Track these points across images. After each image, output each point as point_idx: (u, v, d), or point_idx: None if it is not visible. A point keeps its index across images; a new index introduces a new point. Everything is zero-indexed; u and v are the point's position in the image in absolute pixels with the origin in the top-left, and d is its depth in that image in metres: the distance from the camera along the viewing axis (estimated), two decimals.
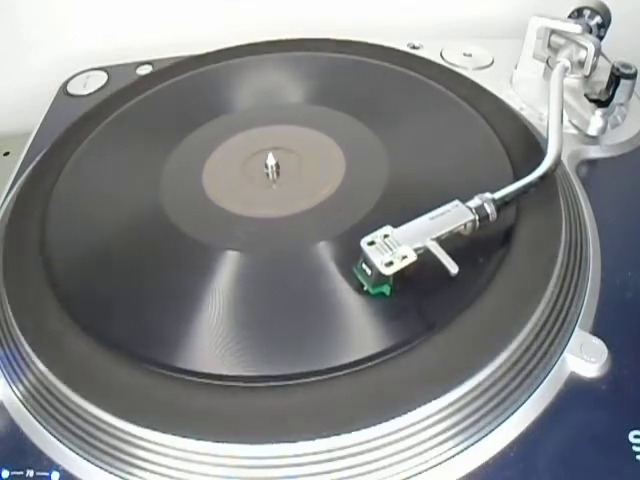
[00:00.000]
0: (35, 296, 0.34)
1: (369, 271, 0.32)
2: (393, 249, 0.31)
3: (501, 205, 0.33)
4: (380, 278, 0.31)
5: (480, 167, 0.40)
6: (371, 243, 0.32)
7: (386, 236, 0.32)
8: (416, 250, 0.31)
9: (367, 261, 0.32)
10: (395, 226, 0.33)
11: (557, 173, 0.37)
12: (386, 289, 0.32)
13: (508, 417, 0.29)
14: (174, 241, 0.37)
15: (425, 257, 0.31)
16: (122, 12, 0.62)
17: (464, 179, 0.38)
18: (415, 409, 0.28)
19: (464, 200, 0.34)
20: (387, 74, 0.49)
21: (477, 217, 0.33)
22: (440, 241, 0.32)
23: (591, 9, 0.48)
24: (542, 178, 0.35)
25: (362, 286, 0.32)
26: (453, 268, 0.30)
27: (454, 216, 0.33)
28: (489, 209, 0.33)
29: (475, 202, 0.33)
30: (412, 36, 0.55)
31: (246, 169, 0.42)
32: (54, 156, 0.44)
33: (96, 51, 0.60)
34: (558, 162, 0.36)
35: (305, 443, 0.27)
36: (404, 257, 0.31)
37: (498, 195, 0.34)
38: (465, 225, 0.33)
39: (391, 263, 0.31)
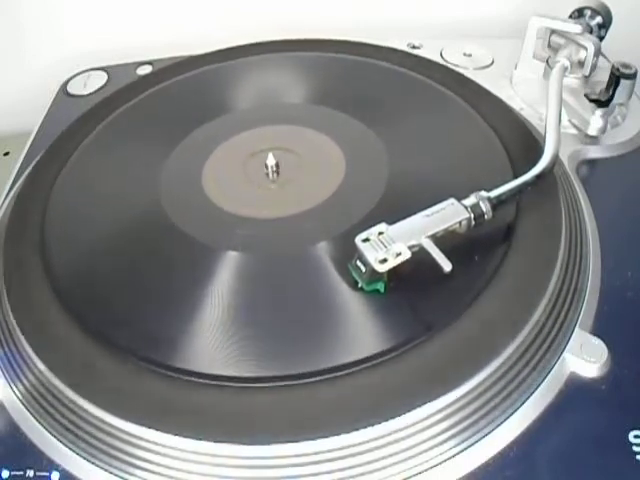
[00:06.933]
0: (35, 296, 0.34)
1: (363, 268, 0.32)
2: (387, 246, 0.31)
3: (497, 204, 0.33)
4: (374, 275, 0.31)
5: (480, 167, 0.40)
6: (366, 240, 0.32)
7: (381, 233, 0.32)
8: (410, 247, 0.31)
9: (361, 258, 0.32)
10: None
11: (557, 173, 0.37)
12: (380, 286, 0.32)
13: (508, 417, 0.29)
14: (174, 241, 0.37)
15: (422, 256, 0.31)
16: (122, 12, 0.62)
17: (464, 179, 0.38)
18: (415, 409, 0.28)
19: (462, 199, 0.34)
20: (387, 74, 0.49)
21: (472, 215, 0.33)
22: (436, 239, 0.32)
23: (592, 9, 0.48)
24: (539, 177, 0.35)
25: (356, 283, 0.33)
26: (447, 266, 0.30)
27: (449, 214, 0.33)
28: (484, 207, 0.33)
29: (470, 200, 0.33)
30: (412, 36, 0.55)
31: (246, 169, 0.42)
32: (54, 156, 0.44)
33: (96, 51, 0.60)
34: (555, 161, 0.36)
35: (305, 443, 0.27)
36: (398, 254, 0.31)
37: (494, 193, 0.34)
38: (460, 223, 0.33)
39: (385, 260, 0.31)
